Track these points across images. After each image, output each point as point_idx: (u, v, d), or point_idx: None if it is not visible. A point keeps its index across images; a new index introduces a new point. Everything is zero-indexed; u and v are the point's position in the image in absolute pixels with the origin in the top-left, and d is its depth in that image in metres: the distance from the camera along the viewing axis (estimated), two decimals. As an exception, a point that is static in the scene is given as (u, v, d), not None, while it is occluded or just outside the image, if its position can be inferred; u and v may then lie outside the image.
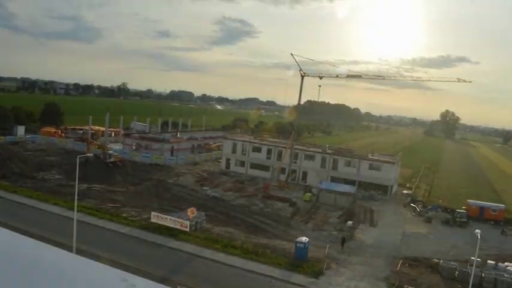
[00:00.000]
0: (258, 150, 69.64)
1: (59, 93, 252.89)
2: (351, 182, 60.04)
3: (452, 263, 34.02)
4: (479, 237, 26.12)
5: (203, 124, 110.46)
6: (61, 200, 42.46)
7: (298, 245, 33.37)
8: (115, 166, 60.40)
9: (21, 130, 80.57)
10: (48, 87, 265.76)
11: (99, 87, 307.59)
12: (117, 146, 74.36)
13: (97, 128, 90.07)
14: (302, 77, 64.24)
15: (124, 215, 40.36)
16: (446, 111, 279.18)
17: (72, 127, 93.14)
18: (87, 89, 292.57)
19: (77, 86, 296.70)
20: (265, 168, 67.90)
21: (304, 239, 34.26)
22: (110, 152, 62.33)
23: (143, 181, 54.27)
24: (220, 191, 54.17)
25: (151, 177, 57.66)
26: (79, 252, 26.40)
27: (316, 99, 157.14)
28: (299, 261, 32.20)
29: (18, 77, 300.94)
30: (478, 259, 30.74)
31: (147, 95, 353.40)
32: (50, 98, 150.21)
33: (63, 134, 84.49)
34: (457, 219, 49.03)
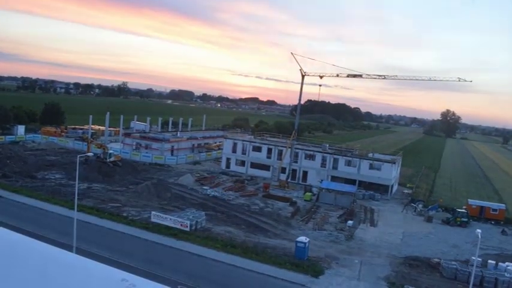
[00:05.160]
0: (258, 149, 69.64)
1: (59, 93, 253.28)
2: (352, 182, 60.05)
3: (453, 262, 34.02)
4: (480, 236, 26.12)
5: (203, 123, 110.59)
6: (61, 199, 42.47)
7: (298, 244, 33.38)
8: (115, 165, 60.40)
9: (21, 130, 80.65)
10: (48, 86, 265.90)
11: (99, 86, 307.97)
12: (118, 146, 74.42)
13: (97, 127, 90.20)
14: (303, 76, 64.25)
15: (124, 214, 40.37)
16: (447, 110, 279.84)
17: (73, 126, 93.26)
18: (87, 88, 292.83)
19: (77, 85, 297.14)
20: (265, 167, 67.91)
21: (304, 238, 34.27)
22: (110, 151, 62.32)
23: (143, 180, 54.26)
24: (220, 190, 54.20)
25: (152, 176, 57.69)
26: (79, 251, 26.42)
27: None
28: (299, 261, 32.21)
29: (19, 76, 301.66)
30: (479, 259, 30.76)
31: (147, 94, 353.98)
32: (50, 97, 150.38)
33: (63, 134, 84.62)
34: (458, 219, 49.02)
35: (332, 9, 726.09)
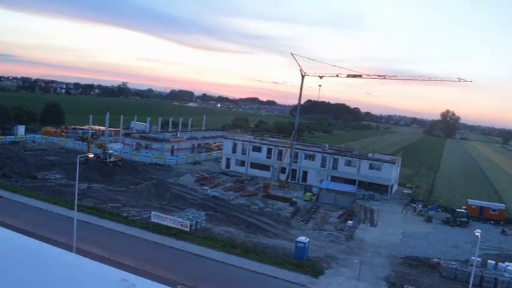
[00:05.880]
0: (258, 149, 69.62)
1: (59, 93, 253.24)
2: (351, 182, 60.03)
3: (452, 262, 34.01)
4: (479, 236, 26.13)
5: (203, 124, 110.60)
6: (62, 199, 42.46)
7: (298, 244, 33.37)
8: (115, 166, 60.41)
9: (21, 130, 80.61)
10: (48, 86, 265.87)
11: (99, 86, 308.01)
12: (118, 146, 74.39)
13: (97, 127, 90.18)
14: (302, 76, 64.23)
15: (124, 214, 40.37)
16: (447, 110, 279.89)
17: (73, 127, 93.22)
18: (87, 88, 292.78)
19: (77, 85, 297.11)
20: (265, 167, 67.89)
21: (304, 238, 34.27)
22: (110, 151, 62.32)
23: (143, 181, 54.26)
24: (220, 190, 54.19)
25: (152, 176, 57.67)
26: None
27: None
28: (299, 261, 32.21)
29: (19, 76, 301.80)
30: (478, 259, 30.76)
31: (147, 94, 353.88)
32: (51, 97, 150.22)
33: (63, 134, 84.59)
34: (458, 219, 49.02)
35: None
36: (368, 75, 66.38)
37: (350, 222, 43.75)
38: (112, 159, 61.09)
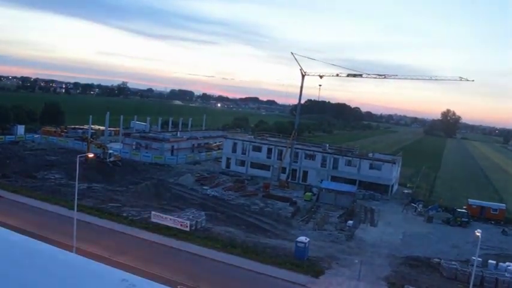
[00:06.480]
0: (258, 149, 69.60)
1: (59, 93, 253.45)
2: (352, 182, 60.02)
3: (453, 262, 33.99)
4: (480, 236, 26.11)
5: (203, 123, 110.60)
6: (61, 199, 42.45)
7: (298, 244, 33.35)
8: (115, 165, 60.41)
9: (21, 129, 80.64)
10: (48, 86, 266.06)
11: (99, 86, 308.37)
12: (117, 146, 74.39)
13: (97, 127, 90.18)
14: (303, 76, 64.21)
15: (124, 214, 40.35)
16: (447, 110, 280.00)
17: (73, 126, 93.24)
18: (87, 88, 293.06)
19: (76, 85, 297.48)
20: (265, 167, 67.88)
21: (304, 238, 34.25)
22: (110, 151, 62.32)
23: (143, 180, 54.27)
24: (220, 190, 54.17)
25: (152, 176, 57.68)
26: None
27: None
28: (299, 261, 32.19)
29: (18, 75, 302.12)
30: (479, 259, 30.74)
31: (147, 94, 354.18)
32: (50, 97, 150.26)
33: (63, 134, 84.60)
34: (458, 219, 49.01)
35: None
36: (368, 74, 66.38)
37: (350, 222, 43.72)
38: (112, 159, 61.09)
